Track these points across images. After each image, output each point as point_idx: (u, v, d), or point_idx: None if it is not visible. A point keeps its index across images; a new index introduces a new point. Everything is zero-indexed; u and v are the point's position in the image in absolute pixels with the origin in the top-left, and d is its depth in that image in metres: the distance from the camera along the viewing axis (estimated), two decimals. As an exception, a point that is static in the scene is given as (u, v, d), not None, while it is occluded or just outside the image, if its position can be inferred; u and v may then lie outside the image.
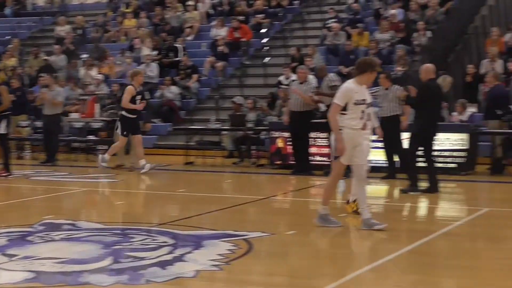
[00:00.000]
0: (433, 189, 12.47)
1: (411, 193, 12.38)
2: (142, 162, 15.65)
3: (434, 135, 12.65)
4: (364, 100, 9.05)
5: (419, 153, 12.62)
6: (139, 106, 15.58)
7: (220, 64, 22.92)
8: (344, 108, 8.95)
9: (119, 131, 15.79)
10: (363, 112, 9.03)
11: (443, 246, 8.51)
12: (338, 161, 9.05)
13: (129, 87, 15.71)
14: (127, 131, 15.71)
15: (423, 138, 12.48)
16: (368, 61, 9.38)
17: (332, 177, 9.32)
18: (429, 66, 12.88)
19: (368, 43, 21.25)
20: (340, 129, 8.95)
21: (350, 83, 9.09)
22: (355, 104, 8.94)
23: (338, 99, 9.00)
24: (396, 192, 12.76)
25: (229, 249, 7.97)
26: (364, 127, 9.07)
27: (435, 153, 14.85)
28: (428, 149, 12.59)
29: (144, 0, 28.15)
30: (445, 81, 17.65)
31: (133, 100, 15.55)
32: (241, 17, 24.46)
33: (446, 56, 20.13)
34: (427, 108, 12.40)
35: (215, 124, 18.79)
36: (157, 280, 6.74)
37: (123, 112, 15.68)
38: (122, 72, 23.23)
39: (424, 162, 12.79)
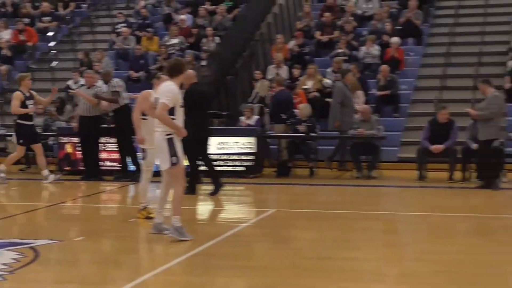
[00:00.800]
0: (216, 190, 12.74)
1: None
2: (45, 172, 14.78)
3: (207, 139, 12.94)
4: (183, 102, 9.02)
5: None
6: (30, 109, 14.67)
7: (4, 67, 22.08)
8: (172, 113, 8.74)
9: (14, 139, 14.72)
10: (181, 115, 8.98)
11: (231, 248, 8.66)
12: (178, 166, 8.79)
13: (17, 92, 14.80)
14: (23, 139, 14.79)
15: (197, 142, 12.70)
16: (181, 62, 9.30)
17: (177, 184, 8.90)
18: (190, 72, 13.17)
19: (158, 48, 21.29)
20: (170, 134, 8.73)
21: (174, 85, 8.84)
22: (181, 106, 8.87)
23: (167, 100, 8.69)
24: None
25: (14, 258, 7.69)
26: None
27: (225, 157, 15.27)
28: (204, 153, 12.86)
29: None
30: (263, 85, 18.06)
31: (24, 106, 14.62)
32: (26, 20, 23.69)
33: (234, 62, 20.56)
34: (194, 112, 12.65)
35: (0, 130, 18.11)
36: None
37: (18, 120, 14.76)
38: None
39: (203, 166, 13.06)
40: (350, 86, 17.34)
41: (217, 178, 12.94)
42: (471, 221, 10.89)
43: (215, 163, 13.82)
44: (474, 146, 14.48)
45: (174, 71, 8.97)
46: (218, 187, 12.85)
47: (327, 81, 18.50)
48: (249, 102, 17.89)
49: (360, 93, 17.57)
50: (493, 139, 13.93)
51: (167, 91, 8.78)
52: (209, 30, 21.24)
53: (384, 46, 19.94)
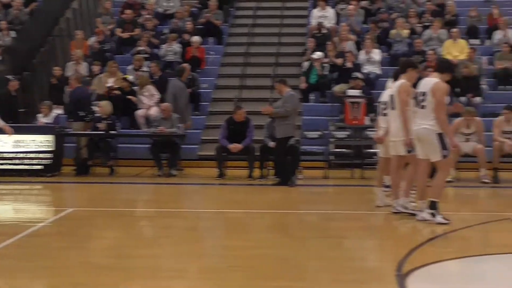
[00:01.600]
0: None
1: None
2: None
3: None
4: None
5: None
6: None
7: None
8: None
9: None
10: None
11: (27, 248, 8.39)
12: None
13: None
14: None
15: None
16: None
17: None
18: None
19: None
20: None
21: None
22: None
23: None
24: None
25: None
26: None
27: (21, 155, 14.85)
28: None
29: None
30: (100, 82, 17.57)
31: None
32: None
33: (31, 57, 19.96)
34: None
35: None
36: None
37: None
38: None
39: None
40: (139, 81, 17.59)
41: None
42: (268, 217, 11.21)
43: (11, 161, 13.36)
44: (271, 144, 14.90)
45: None
46: None
47: (131, 77, 18.44)
48: None
49: (151, 88, 17.67)
50: (289, 137, 14.41)
51: None
52: (3, 24, 20.49)
53: (185, 44, 20.10)
